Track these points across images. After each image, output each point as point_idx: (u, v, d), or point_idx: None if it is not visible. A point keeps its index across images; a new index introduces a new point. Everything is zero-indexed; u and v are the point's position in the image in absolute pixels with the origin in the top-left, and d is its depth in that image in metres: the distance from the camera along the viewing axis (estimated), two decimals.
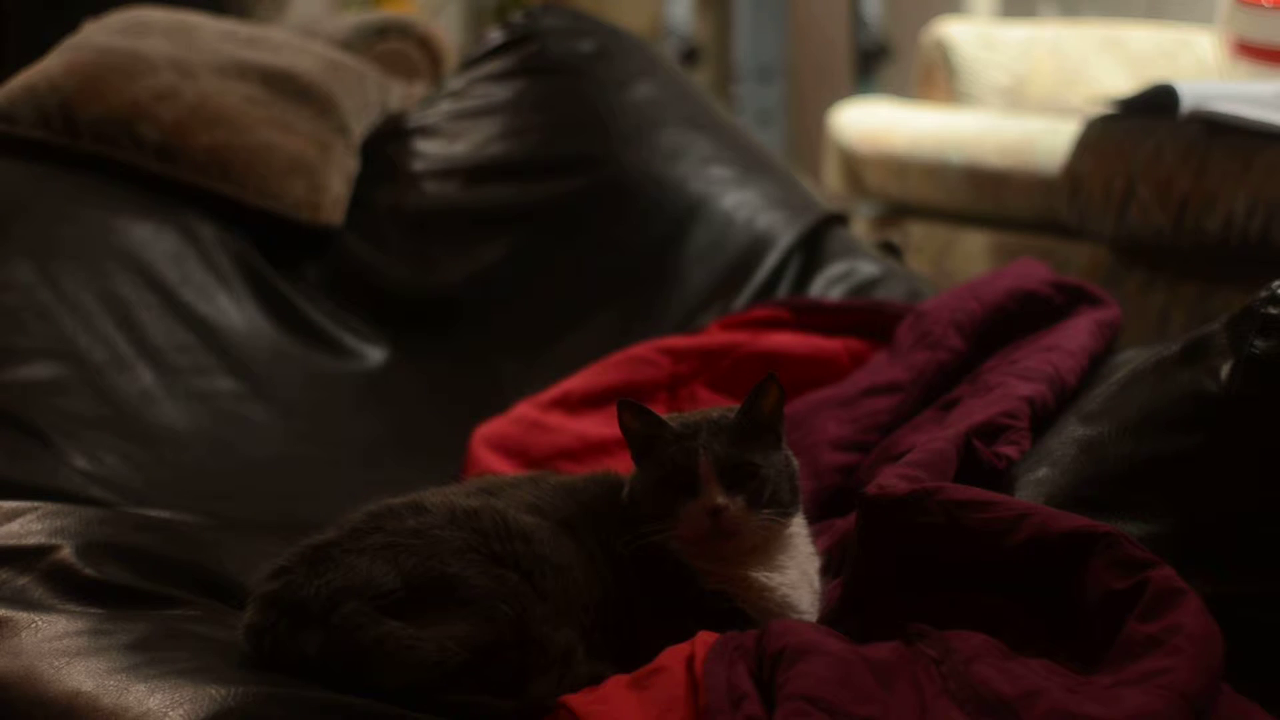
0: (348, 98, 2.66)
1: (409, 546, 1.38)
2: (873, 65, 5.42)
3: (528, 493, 1.50)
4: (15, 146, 2.42)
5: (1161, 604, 1.28)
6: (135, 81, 2.47)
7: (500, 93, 2.77)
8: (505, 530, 1.41)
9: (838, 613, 1.48)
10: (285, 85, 2.60)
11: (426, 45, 3.21)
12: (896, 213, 4.03)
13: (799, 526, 1.51)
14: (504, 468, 2.06)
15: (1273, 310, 1.46)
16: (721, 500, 1.42)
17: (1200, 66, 4.09)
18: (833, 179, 4.17)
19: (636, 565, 1.45)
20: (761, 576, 1.46)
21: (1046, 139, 3.43)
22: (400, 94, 2.87)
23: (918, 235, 3.91)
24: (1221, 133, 2.45)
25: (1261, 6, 2.78)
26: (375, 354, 2.48)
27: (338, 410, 2.37)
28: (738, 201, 2.61)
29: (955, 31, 4.18)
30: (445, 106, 2.80)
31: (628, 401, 1.47)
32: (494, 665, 1.34)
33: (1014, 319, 2.00)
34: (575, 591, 1.42)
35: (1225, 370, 1.47)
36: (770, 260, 2.54)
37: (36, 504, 1.77)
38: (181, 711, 1.30)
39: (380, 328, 2.51)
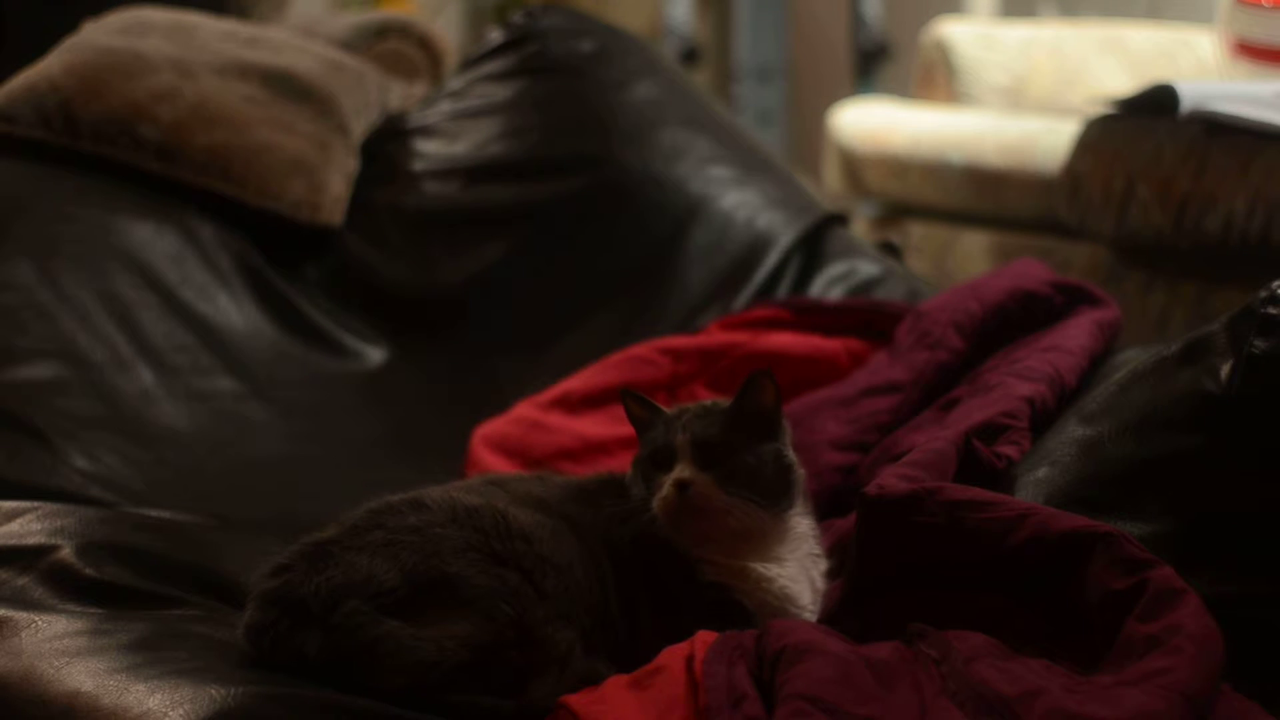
0: (348, 98, 2.66)
1: (409, 544, 1.38)
2: (873, 65, 5.42)
3: (534, 486, 1.52)
4: (15, 146, 2.42)
5: (1161, 604, 1.28)
6: (135, 81, 2.47)
7: (500, 93, 2.77)
8: (506, 529, 1.41)
9: (838, 613, 1.49)
10: (285, 85, 2.60)
11: (426, 45, 3.21)
12: (896, 213, 4.03)
13: (803, 525, 1.52)
14: (504, 468, 2.06)
15: (1273, 310, 1.46)
16: (687, 474, 1.45)
17: (1200, 66, 4.09)
18: (833, 179, 4.17)
19: (638, 555, 1.47)
20: (759, 567, 1.47)
21: (1046, 139, 3.43)
22: (400, 94, 2.87)
23: (918, 235, 3.91)
24: (1221, 133, 2.44)
25: (1261, 6, 2.78)
26: (375, 354, 2.47)
27: (338, 410, 2.37)
28: (738, 201, 2.61)
29: (955, 31, 4.18)
30: (445, 106, 2.80)
31: (631, 391, 1.53)
32: (495, 666, 1.34)
33: (1014, 319, 2.00)
34: (576, 591, 1.42)
35: (1225, 370, 1.47)
36: (770, 260, 2.54)
37: (36, 504, 1.77)
38: (181, 711, 1.30)
39: (380, 328, 2.51)
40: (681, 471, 1.45)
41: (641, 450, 1.51)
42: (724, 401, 1.52)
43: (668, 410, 1.52)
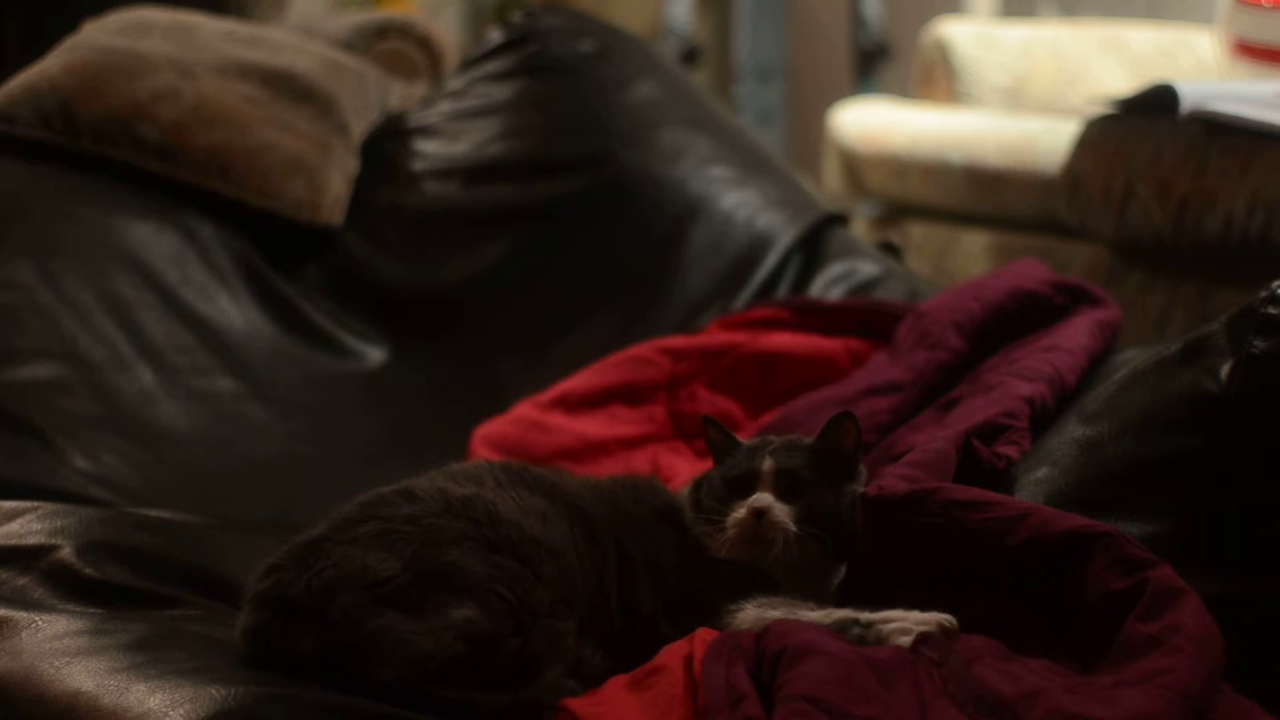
0: (348, 98, 2.66)
1: (406, 534, 1.38)
2: (873, 65, 5.42)
3: (547, 474, 1.54)
4: (15, 146, 2.42)
5: (1161, 604, 1.28)
6: (135, 81, 2.47)
7: (500, 93, 2.77)
8: (496, 517, 1.42)
9: None
10: (285, 85, 2.60)
11: (426, 45, 3.21)
12: (896, 213, 4.03)
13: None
14: None
15: (1272, 310, 1.46)
16: (766, 502, 1.46)
17: (1200, 66, 4.09)
18: (833, 179, 4.17)
19: (680, 565, 1.48)
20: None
21: (1046, 139, 3.43)
22: (400, 94, 2.87)
23: (918, 235, 3.91)
24: (1221, 133, 2.44)
25: (1261, 6, 2.78)
26: (375, 354, 2.48)
27: (337, 410, 2.37)
28: (738, 201, 2.61)
29: (955, 31, 4.18)
30: (445, 106, 2.80)
31: (711, 419, 1.56)
32: (494, 657, 1.34)
33: (1014, 319, 2.00)
34: (570, 576, 1.43)
35: (1225, 370, 1.47)
36: (770, 260, 2.54)
37: (36, 504, 1.77)
38: (181, 711, 1.30)
39: (380, 328, 2.51)
40: (760, 500, 1.47)
41: (717, 473, 1.53)
42: (807, 439, 1.54)
43: (746, 440, 1.55)
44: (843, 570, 1.52)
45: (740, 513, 1.47)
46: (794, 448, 1.52)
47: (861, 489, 1.52)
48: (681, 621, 1.44)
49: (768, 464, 1.49)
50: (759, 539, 1.47)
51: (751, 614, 1.43)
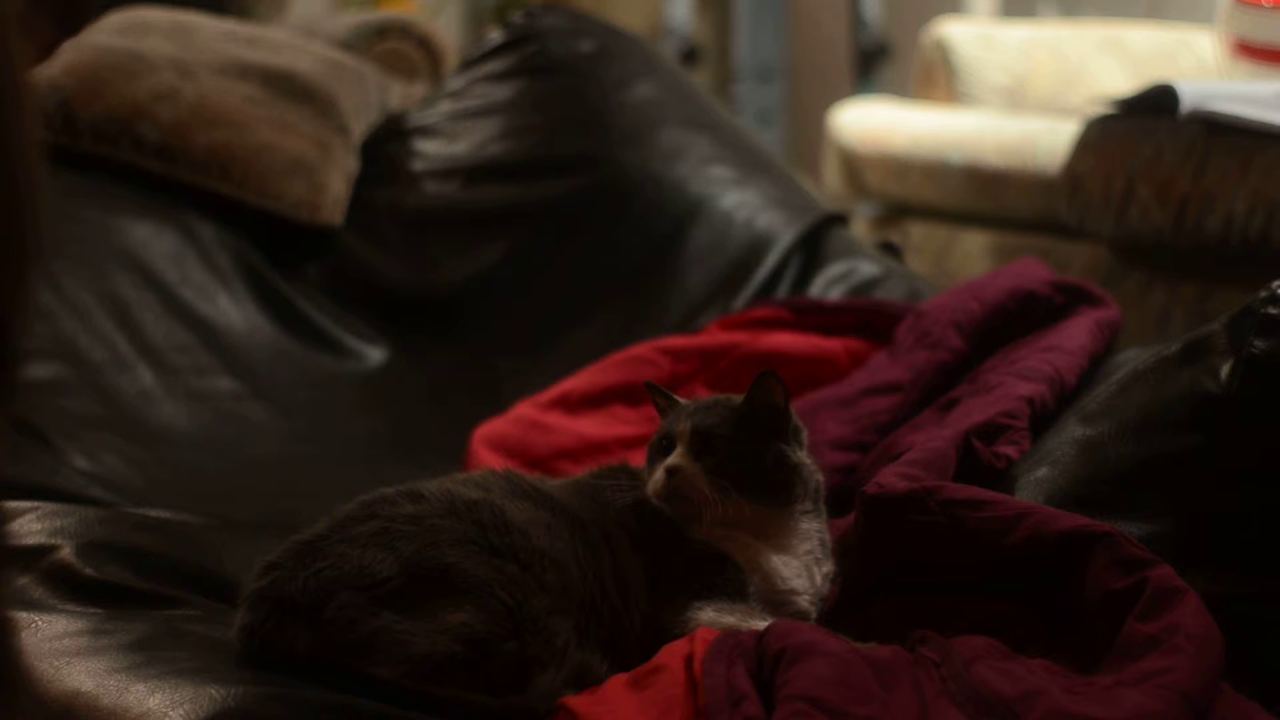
0: (348, 98, 2.66)
1: (407, 534, 1.38)
2: (873, 65, 5.42)
3: (538, 482, 1.55)
4: None
5: (1161, 603, 1.28)
6: (135, 81, 2.47)
7: (500, 93, 2.77)
8: (504, 523, 1.42)
9: (838, 612, 1.49)
10: (285, 85, 2.60)
11: (426, 45, 3.21)
12: (896, 213, 4.03)
13: (806, 524, 1.53)
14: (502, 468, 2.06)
15: (1272, 310, 1.46)
16: (678, 462, 1.49)
17: (1200, 66, 4.09)
18: (833, 179, 4.17)
19: (637, 524, 1.50)
20: (749, 537, 1.50)
21: (1046, 139, 3.43)
22: (400, 94, 2.87)
23: (918, 235, 3.91)
24: (1221, 133, 2.44)
25: (1261, 6, 2.78)
26: (375, 354, 2.48)
27: (338, 410, 2.37)
28: (738, 201, 2.61)
29: (955, 31, 4.18)
30: (445, 106, 2.80)
31: (653, 384, 1.60)
32: (491, 659, 1.34)
33: (1014, 319, 2.00)
34: (572, 586, 1.43)
35: (1225, 370, 1.47)
36: (770, 260, 2.54)
37: (36, 504, 1.77)
38: (181, 711, 1.30)
39: (380, 328, 2.51)
40: (674, 459, 1.49)
41: (655, 435, 1.56)
42: (737, 397, 1.55)
43: (684, 401, 1.57)
44: (803, 524, 1.52)
45: (657, 473, 1.50)
46: (715, 407, 1.53)
47: (800, 446, 1.54)
48: (652, 596, 1.46)
49: (685, 424, 1.51)
50: (678, 497, 1.49)
51: (707, 617, 1.44)
